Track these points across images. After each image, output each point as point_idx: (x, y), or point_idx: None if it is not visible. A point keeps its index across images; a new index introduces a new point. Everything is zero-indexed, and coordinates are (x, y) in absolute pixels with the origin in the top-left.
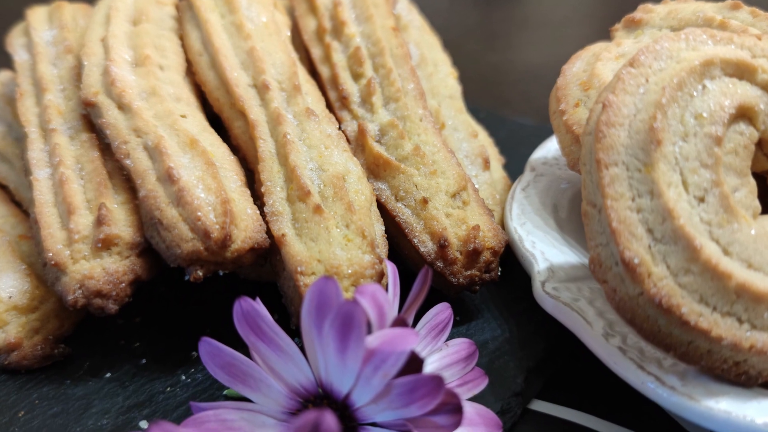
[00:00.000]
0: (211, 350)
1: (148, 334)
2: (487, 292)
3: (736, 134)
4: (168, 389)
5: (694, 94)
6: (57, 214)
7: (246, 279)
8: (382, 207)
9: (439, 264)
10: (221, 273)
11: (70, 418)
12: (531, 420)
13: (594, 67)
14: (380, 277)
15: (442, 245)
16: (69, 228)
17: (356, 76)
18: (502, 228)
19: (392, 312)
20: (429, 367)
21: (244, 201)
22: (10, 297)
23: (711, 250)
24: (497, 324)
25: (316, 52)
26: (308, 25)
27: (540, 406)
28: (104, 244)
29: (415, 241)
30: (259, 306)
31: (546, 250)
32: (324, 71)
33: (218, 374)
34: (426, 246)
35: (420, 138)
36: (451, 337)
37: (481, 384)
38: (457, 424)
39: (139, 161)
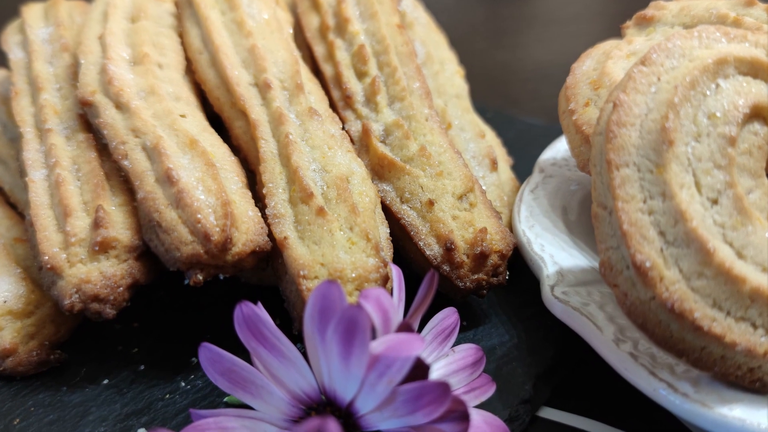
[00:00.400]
0: (211, 356)
1: (147, 339)
2: (494, 296)
3: (750, 134)
4: (167, 396)
5: (707, 93)
6: (53, 217)
7: (247, 283)
8: (386, 209)
9: (446, 267)
10: (222, 277)
11: (67, 426)
12: (540, 428)
13: (604, 66)
14: (385, 281)
15: (449, 248)
16: (65, 231)
17: (360, 75)
18: (510, 231)
19: (397, 317)
20: (435, 373)
21: (245, 203)
22: (5, 301)
23: (724, 254)
24: (505, 329)
25: (319, 50)
26: (311, 23)
27: (549, 413)
28: (101, 247)
29: (421, 244)
30: (260, 311)
31: (555, 254)
32: (327, 70)
33: (219, 381)
34: (432, 249)
35: (426, 138)
36: (457, 342)
37: (489, 391)
38: (464, 431)
39: (137, 162)
